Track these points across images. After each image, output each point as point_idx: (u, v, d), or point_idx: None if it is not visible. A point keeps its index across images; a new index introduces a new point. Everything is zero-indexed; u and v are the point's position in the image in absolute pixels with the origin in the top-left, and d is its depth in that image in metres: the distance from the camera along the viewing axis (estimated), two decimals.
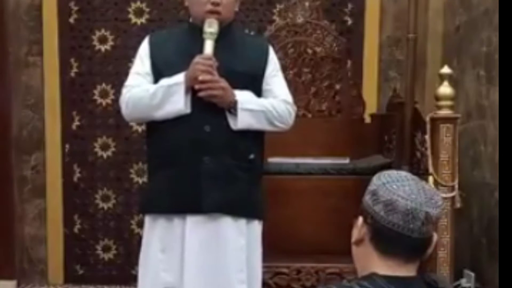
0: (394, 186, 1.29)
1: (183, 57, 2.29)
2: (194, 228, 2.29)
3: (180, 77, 2.26)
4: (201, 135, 2.27)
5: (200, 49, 2.27)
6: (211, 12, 2.28)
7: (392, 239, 1.28)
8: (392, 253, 1.30)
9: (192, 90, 2.26)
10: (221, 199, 2.29)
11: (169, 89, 2.26)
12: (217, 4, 2.28)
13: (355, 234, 1.36)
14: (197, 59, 2.24)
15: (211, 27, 2.26)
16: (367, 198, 1.33)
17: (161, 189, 2.35)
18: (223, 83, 2.26)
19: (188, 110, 2.27)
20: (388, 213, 1.27)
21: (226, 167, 2.30)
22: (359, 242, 1.34)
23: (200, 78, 2.22)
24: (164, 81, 2.28)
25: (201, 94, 2.24)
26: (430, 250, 1.33)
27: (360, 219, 1.34)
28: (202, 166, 2.28)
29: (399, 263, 1.30)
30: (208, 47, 2.26)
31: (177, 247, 2.31)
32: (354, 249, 1.38)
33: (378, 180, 1.33)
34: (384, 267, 1.30)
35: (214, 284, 2.31)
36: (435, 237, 1.33)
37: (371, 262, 1.32)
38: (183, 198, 2.29)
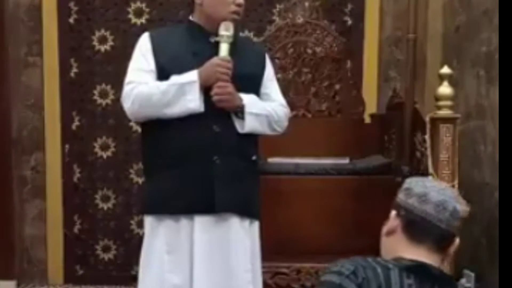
0: (427, 183, 1.49)
1: (187, 55, 2.29)
2: (203, 229, 2.28)
3: (193, 75, 2.25)
4: (211, 135, 2.27)
5: (203, 48, 2.29)
6: (235, 13, 2.31)
7: (423, 227, 1.44)
8: (420, 241, 1.45)
9: (205, 90, 2.26)
10: (232, 199, 2.29)
11: (183, 87, 2.24)
12: (240, 6, 2.32)
13: (387, 225, 1.52)
14: (217, 61, 2.25)
15: (228, 31, 2.26)
16: (401, 195, 1.50)
17: (168, 189, 2.31)
18: (231, 88, 2.26)
19: (202, 109, 2.26)
20: (422, 203, 1.44)
21: (234, 167, 2.30)
22: (391, 232, 1.50)
23: (213, 91, 2.24)
24: (176, 79, 2.26)
25: (214, 98, 2.25)
26: (452, 250, 1.49)
27: (393, 213, 1.51)
28: (213, 166, 2.27)
29: (424, 252, 1.45)
30: (224, 50, 2.26)
31: (185, 248, 2.29)
32: (384, 239, 1.54)
33: (412, 180, 1.52)
34: (412, 254, 1.45)
35: (224, 285, 2.31)
36: (457, 240, 1.49)
37: (400, 250, 1.47)
38: (193, 198, 2.27)
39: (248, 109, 2.29)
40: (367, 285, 1.36)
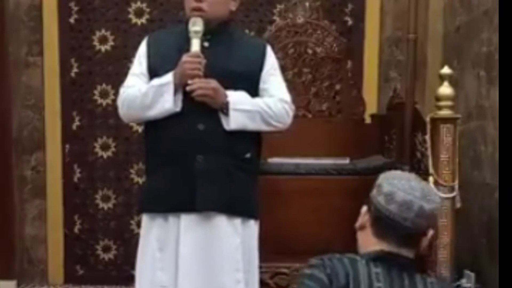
0: (396, 181, 1.49)
1: (176, 56, 2.29)
2: (188, 227, 2.29)
3: (169, 77, 2.27)
4: (195, 134, 2.28)
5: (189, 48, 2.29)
6: (194, 10, 2.30)
7: (388, 225, 1.47)
8: (386, 237, 1.49)
9: (183, 89, 2.27)
10: (215, 198, 2.29)
11: (159, 88, 2.27)
12: (200, 1, 2.29)
13: (359, 220, 1.57)
14: (185, 57, 2.25)
15: (195, 26, 2.27)
16: (374, 190, 1.54)
17: (157, 188, 2.36)
18: (214, 83, 2.26)
19: (177, 109, 2.28)
20: (387, 202, 1.47)
21: (220, 165, 2.30)
22: (362, 227, 1.55)
23: (188, 88, 2.24)
24: (155, 81, 2.30)
25: (192, 94, 2.25)
26: (424, 243, 1.51)
27: (365, 208, 1.56)
28: (196, 165, 2.28)
29: (392, 246, 1.49)
30: (195, 45, 2.27)
31: (172, 246, 2.31)
32: (358, 233, 1.59)
33: (384, 176, 1.54)
34: (379, 248, 1.49)
35: (209, 284, 2.31)
36: (430, 232, 1.51)
37: (370, 245, 1.51)
38: (178, 197, 2.29)
39: (232, 105, 2.28)
40: (336, 276, 1.43)
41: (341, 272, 1.43)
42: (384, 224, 1.48)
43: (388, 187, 1.48)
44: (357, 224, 1.57)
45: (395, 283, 1.43)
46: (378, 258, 1.45)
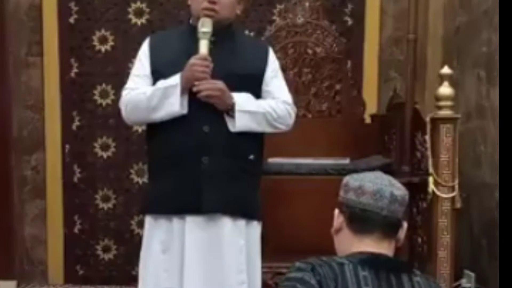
0: (362, 175, 1.52)
1: (182, 58, 2.28)
2: (193, 229, 2.29)
3: (176, 79, 2.26)
4: (200, 136, 2.27)
5: (198, 49, 2.28)
6: (207, 10, 2.28)
7: (365, 218, 1.47)
8: (365, 233, 1.48)
9: (189, 91, 2.27)
10: (220, 199, 2.29)
11: (166, 91, 2.26)
12: (213, 2, 2.28)
13: (334, 224, 1.56)
14: (193, 60, 2.25)
15: (204, 27, 2.26)
16: (340, 193, 1.54)
17: (161, 190, 2.35)
18: (221, 84, 2.26)
19: (184, 111, 2.27)
20: (359, 196, 1.48)
21: (225, 167, 2.29)
22: (338, 230, 1.54)
23: (195, 89, 2.24)
24: (161, 83, 2.29)
25: (199, 95, 2.25)
26: (402, 235, 1.52)
27: (336, 211, 1.55)
28: (201, 167, 2.28)
29: (374, 240, 1.48)
30: (203, 47, 2.25)
31: (177, 248, 2.31)
32: (335, 238, 1.57)
33: (349, 176, 1.55)
34: (361, 246, 1.48)
35: (214, 285, 2.31)
36: (405, 224, 1.53)
37: (350, 244, 1.51)
38: (183, 199, 2.29)
39: (238, 107, 2.28)
40: (325, 281, 1.40)
41: (330, 277, 1.41)
42: (361, 219, 1.48)
43: (355, 182, 1.49)
44: (333, 229, 1.56)
45: (383, 285, 1.42)
46: (364, 261, 1.43)
